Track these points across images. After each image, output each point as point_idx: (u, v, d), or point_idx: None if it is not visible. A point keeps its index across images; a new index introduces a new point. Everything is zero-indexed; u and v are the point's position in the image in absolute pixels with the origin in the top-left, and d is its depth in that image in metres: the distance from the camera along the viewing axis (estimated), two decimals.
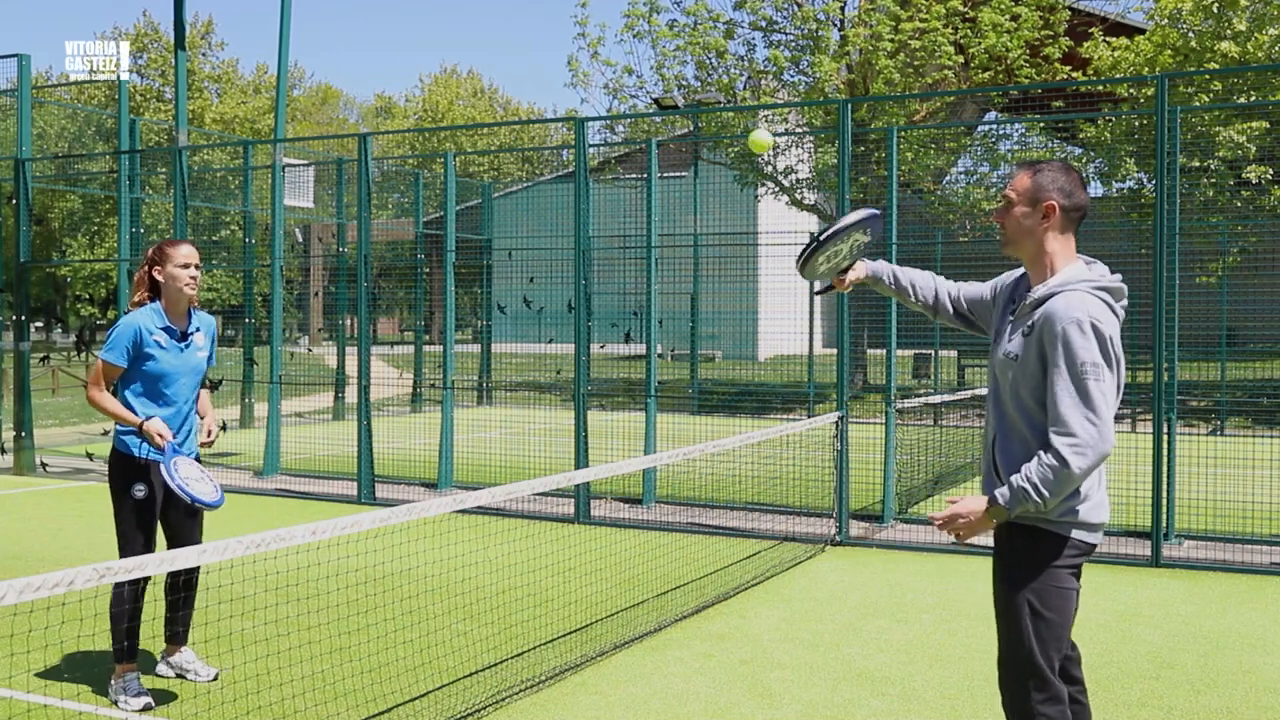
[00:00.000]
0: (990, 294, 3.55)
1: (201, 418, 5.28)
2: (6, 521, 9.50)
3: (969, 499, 3.23)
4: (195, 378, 5.22)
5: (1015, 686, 3.22)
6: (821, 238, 3.58)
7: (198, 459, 5.23)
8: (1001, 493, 3.15)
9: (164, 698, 5.02)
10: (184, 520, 5.22)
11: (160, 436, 4.89)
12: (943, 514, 3.24)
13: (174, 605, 5.23)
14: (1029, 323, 3.21)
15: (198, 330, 5.22)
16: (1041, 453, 3.11)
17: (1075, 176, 3.28)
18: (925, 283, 3.72)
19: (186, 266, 5.09)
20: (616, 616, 6.44)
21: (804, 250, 3.64)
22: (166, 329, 5.08)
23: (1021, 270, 3.41)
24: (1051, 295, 3.18)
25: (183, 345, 5.13)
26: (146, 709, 4.87)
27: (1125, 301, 3.25)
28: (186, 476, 4.79)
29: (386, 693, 5.00)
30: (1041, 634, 3.17)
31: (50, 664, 5.37)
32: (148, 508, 5.04)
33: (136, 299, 5.14)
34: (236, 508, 9.59)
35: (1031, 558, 3.21)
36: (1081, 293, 3.15)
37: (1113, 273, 3.28)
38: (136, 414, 4.99)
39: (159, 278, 5.10)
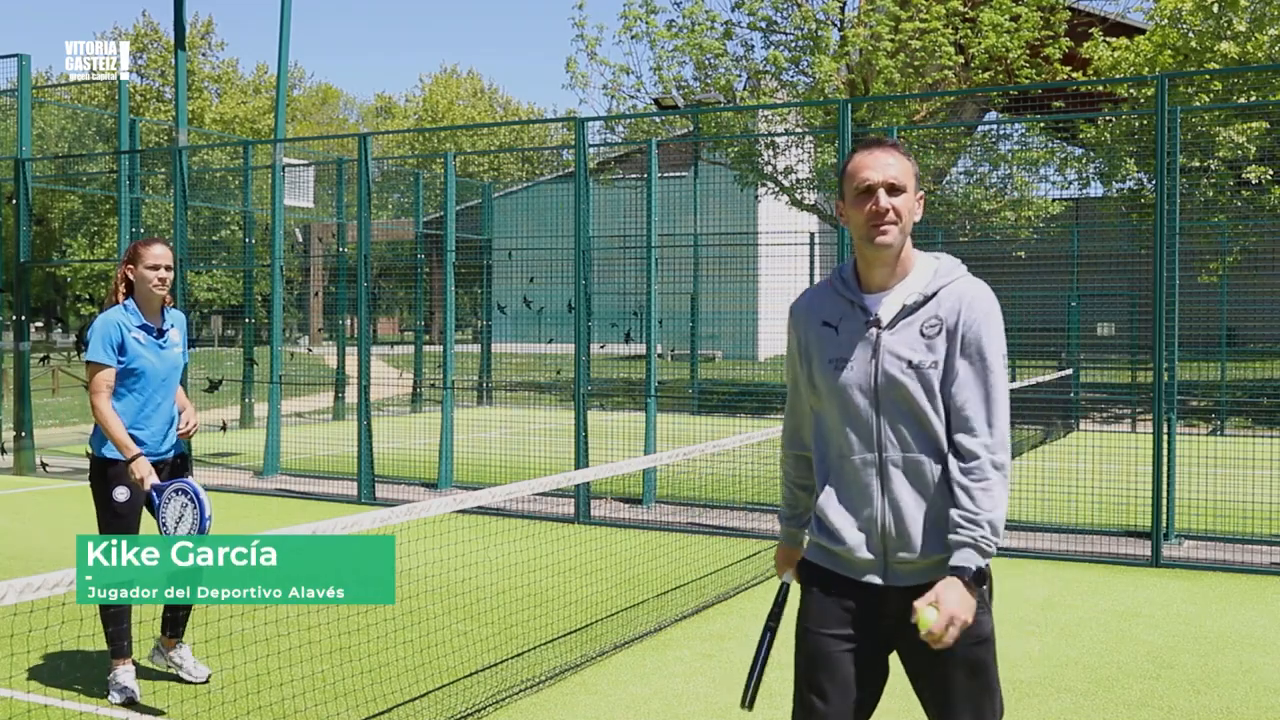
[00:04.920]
0: (798, 349, 2.82)
1: (180, 411, 5.30)
2: (6, 521, 9.50)
3: (949, 596, 2.49)
4: (175, 375, 5.24)
5: None
6: (756, 675, 2.88)
7: (182, 454, 5.27)
8: (969, 559, 2.52)
9: (164, 697, 5.02)
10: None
11: (143, 480, 4.86)
12: (948, 635, 2.49)
13: (174, 604, 5.22)
14: (930, 319, 2.63)
15: (172, 327, 5.25)
16: (971, 479, 2.54)
17: None
18: (803, 479, 2.97)
19: (156, 268, 5.09)
20: (616, 616, 6.44)
21: (745, 697, 2.89)
22: (143, 327, 5.09)
23: (819, 286, 2.83)
24: (947, 284, 2.66)
25: (160, 343, 5.14)
26: (128, 703, 4.87)
27: None
28: (177, 524, 4.73)
29: (386, 693, 5.00)
30: None
31: (50, 664, 5.37)
32: (131, 510, 5.04)
33: (114, 298, 5.16)
34: (237, 507, 9.60)
35: (988, 601, 2.66)
36: (976, 278, 2.71)
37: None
38: (125, 421, 4.97)
39: (132, 277, 5.13)
